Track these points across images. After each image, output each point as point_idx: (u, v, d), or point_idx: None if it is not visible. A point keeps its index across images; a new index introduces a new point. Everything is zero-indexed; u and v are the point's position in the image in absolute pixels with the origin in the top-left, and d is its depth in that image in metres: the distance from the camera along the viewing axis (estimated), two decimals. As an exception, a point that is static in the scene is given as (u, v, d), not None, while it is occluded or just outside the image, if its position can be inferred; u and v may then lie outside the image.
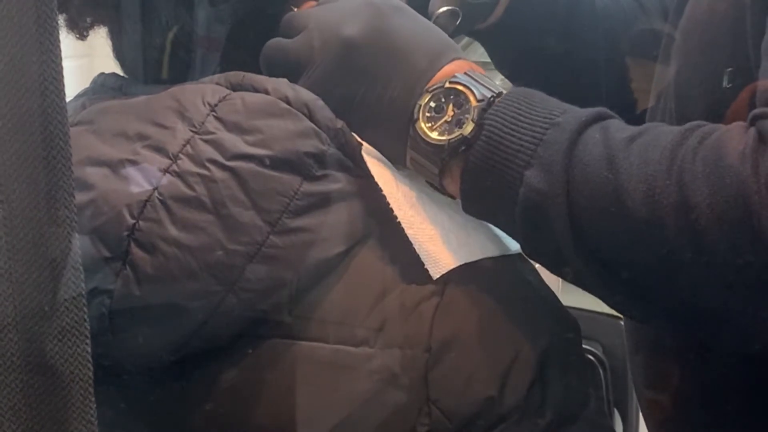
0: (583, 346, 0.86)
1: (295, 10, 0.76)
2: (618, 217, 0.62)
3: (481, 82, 0.70)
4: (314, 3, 0.77)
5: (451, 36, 0.85)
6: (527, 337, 0.68)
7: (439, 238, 0.69)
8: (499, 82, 0.73)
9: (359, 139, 0.71)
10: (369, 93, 0.71)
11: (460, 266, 0.69)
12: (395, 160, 0.72)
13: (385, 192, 0.69)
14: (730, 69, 0.71)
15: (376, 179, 0.69)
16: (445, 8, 0.88)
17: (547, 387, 0.68)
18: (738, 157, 0.58)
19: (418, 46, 0.71)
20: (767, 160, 0.57)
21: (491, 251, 0.72)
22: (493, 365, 0.67)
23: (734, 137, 0.60)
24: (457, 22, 0.89)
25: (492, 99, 0.68)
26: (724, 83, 0.71)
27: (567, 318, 0.73)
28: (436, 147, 0.69)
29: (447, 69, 0.71)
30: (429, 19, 0.87)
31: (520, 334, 0.68)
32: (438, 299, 0.67)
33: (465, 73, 0.70)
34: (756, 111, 0.61)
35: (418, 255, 0.68)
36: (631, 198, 0.61)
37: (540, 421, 0.67)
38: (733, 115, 0.68)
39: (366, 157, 0.70)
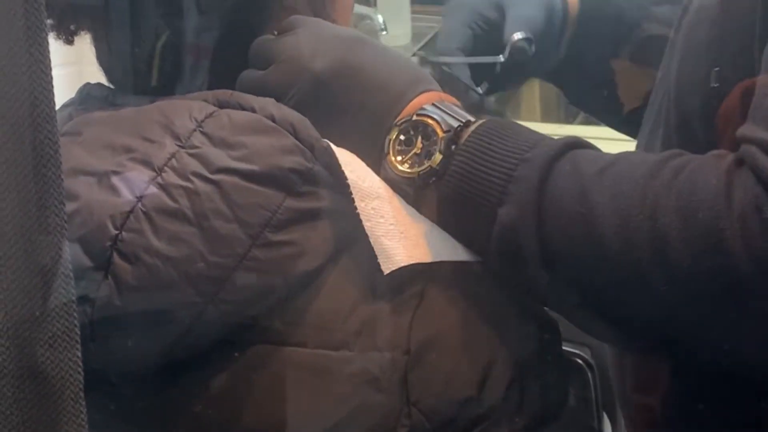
0: (572, 349, 0.88)
1: (275, 34, 0.76)
2: (591, 251, 0.62)
3: (449, 112, 0.71)
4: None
5: (526, 71, 0.90)
6: (505, 337, 0.70)
7: (396, 235, 0.69)
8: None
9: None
10: (339, 126, 0.72)
11: (439, 268, 0.69)
12: None
13: (349, 180, 0.68)
14: (719, 68, 0.71)
15: (346, 174, 0.69)
16: (519, 35, 0.91)
17: (525, 387, 0.69)
18: (712, 190, 0.58)
19: (386, 81, 0.72)
20: (741, 192, 0.57)
21: (452, 255, 0.72)
22: (472, 366, 0.68)
23: (708, 169, 0.60)
24: (532, 48, 0.91)
25: (459, 129, 0.69)
26: (712, 82, 0.70)
27: (545, 318, 0.74)
28: (407, 179, 0.70)
29: (416, 101, 0.72)
30: (504, 46, 0.90)
31: (498, 334, 0.70)
32: (417, 301, 0.68)
33: (433, 105, 0.71)
34: (741, 130, 0.60)
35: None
36: (604, 232, 0.61)
37: (519, 420, 0.68)
38: (725, 115, 0.69)
39: (336, 149, 0.70)
